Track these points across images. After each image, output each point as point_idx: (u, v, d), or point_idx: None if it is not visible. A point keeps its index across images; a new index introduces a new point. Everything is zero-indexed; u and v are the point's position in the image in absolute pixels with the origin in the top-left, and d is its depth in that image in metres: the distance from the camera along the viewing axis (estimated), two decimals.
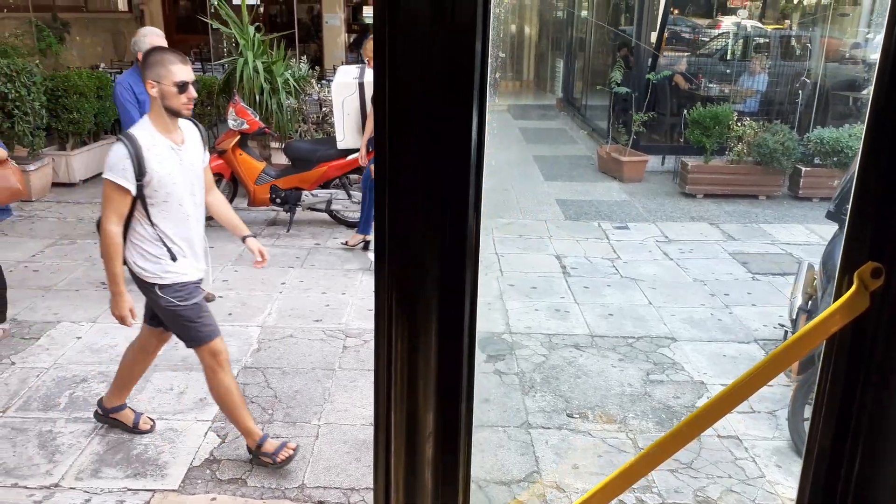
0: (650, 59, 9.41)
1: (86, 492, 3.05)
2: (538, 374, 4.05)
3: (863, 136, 0.93)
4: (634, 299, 5.12)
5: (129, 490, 3.07)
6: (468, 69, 0.74)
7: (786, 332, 4.21)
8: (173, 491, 3.07)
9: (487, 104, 0.86)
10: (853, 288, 0.93)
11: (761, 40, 11.07)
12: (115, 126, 8.91)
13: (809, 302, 4.12)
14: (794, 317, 4.06)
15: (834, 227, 4.33)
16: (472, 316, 0.98)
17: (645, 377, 4.04)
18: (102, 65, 11.88)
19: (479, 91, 0.80)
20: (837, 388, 1.01)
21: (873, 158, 0.92)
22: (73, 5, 13.15)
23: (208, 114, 7.57)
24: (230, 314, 4.74)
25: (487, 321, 4.70)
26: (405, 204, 0.84)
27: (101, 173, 8.27)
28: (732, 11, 13.70)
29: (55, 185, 7.51)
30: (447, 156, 0.82)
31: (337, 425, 3.54)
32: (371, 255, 5.72)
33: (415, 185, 0.84)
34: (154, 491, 3.07)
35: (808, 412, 3.38)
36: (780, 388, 3.93)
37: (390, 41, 0.73)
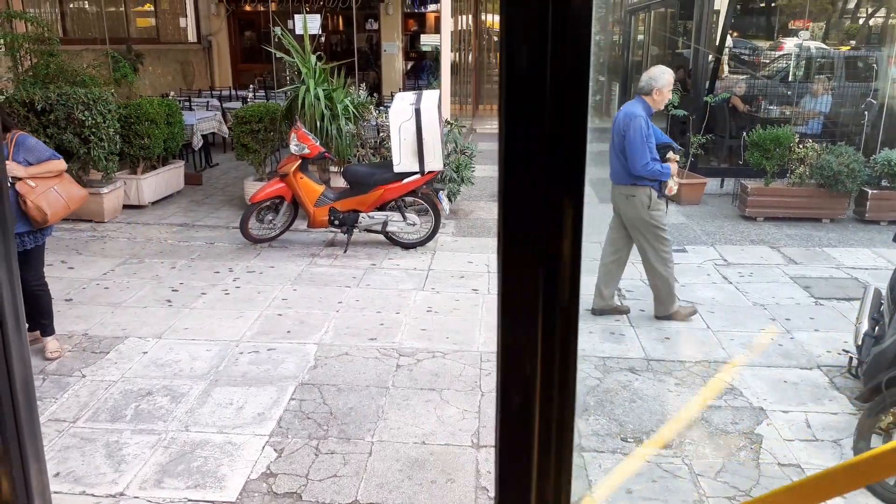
0: (708, 82, 9.29)
1: (148, 501, 3.16)
2: (592, 398, 4.02)
3: None
4: (692, 323, 5.03)
5: (190, 501, 3.17)
6: (577, 94, 0.78)
7: (850, 358, 4.07)
8: (231, 503, 3.16)
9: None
10: None
11: (824, 61, 10.81)
12: (182, 151, 9.30)
13: (876, 328, 3.98)
14: (860, 343, 3.93)
15: None
16: (575, 332, 0.99)
17: (702, 402, 3.96)
18: (172, 93, 12.44)
19: (583, 114, 0.84)
20: None
21: None
22: (147, 37, 13.84)
23: (271, 139, 7.82)
24: (289, 332, 4.86)
25: None
26: (523, 226, 0.88)
27: (168, 196, 8.58)
28: (794, 33, 13.43)
29: (126, 207, 7.87)
30: (556, 179, 0.85)
31: (390, 443, 3.58)
32: None
33: (530, 206, 0.88)
34: (213, 502, 3.16)
35: (875, 442, 3.25)
36: (845, 417, 3.79)
37: (509, 77, 0.78)
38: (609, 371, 4.33)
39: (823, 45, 12.13)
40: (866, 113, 8.76)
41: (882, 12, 15.22)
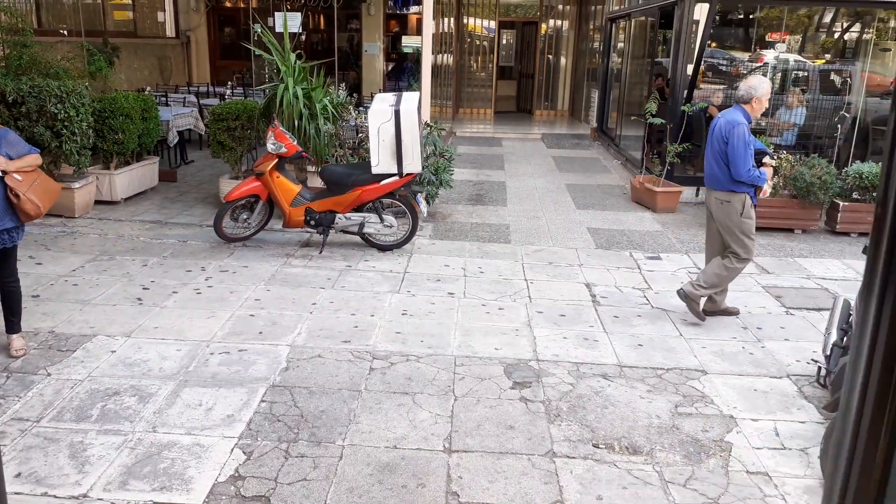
0: (685, 91, 9.39)
1: (112, 503, 3.10)
2: (564, 403, 4.02)
3: None
4: (665, 330, 5.07)
5: (155, 503, 3.11)
6: None
7: (819, 368, 4.12)
8: None
9: None
10: None
11: (800, 73, 10.98)
12: (157, 147, 9.18)
13: (845, 338, 4.04)
14: (829, 353, 3.98)
15: None
16: None
17: (673, 409, 3.98)
18: (148, 88, 12.28)
19: None
20: None
21: None
22: (123, 31, 13.65)
23: (248, 137, 7.74)
24: (261, 332, 4.81)
25: (515, 347, 4.69)
26: None
27: (142, 192, 8.46)
28: (771, 45, 13.63)
29: (98, 202, 7.74)
30: None
31: (361, 447, 3.55)
32: None
33: None
34: None
35: None
36: (812, 426, 3.84)
37: None
38: (582, 377, 4.34)
39: (801, 58, 12.31)
40: (839, 126, 8.91)
41: (856, 27, 15.50)
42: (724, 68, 14.24)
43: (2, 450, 3.42)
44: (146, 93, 9.78)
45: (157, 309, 5.15)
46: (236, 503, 3.13)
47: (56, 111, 6.80)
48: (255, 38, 7.96)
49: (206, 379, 4.17)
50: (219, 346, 4.60)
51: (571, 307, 5.47)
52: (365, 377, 4.26)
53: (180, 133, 9.95)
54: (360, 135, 7.68)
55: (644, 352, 4.71)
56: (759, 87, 4.94)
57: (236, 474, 3.32)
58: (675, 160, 8.67)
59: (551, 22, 18.08)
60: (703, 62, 10.35)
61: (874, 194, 7.34)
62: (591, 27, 16.70)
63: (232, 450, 3.50)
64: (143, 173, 8.41)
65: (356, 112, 7.99)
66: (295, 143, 6.66)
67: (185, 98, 11.32)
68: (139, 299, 5.32)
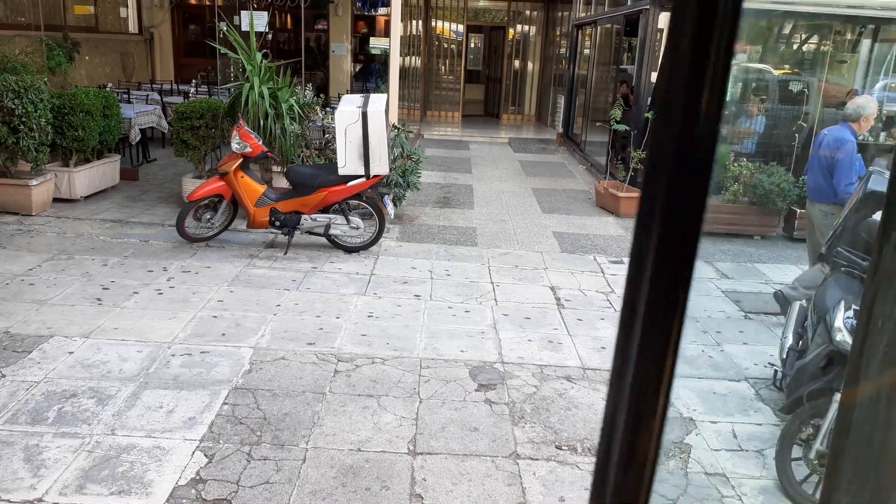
0: (649, 98, 9.54)
1: None
2: (528, 405, 4.05)
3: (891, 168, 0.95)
4: None
5: None
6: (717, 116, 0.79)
7: (775, 371, 4.23)
8: None
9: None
10: None
11: (760, 83, 11.24)
12: (118, 145, 9.01)
13: (800, 342, 4.15)
14: (785, 356, 4.09)
15: (826, 269, 4.38)
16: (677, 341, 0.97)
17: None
18: (110, 85, 12.04)
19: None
20: None
21: None
22: (84, 26, 13.36)
23: (212, 136, 7.64)
24: (223, 334, 4.75)
25: (480, 350, 4.71)
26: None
27: (103, 190, 8.29)
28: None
29: (56, 200, 7.56)
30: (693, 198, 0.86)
31: (325, 449, 3.54)
32: None
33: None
34: None
35: (795, 452, 3.38)
36: (769, 427, 3.93)
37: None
38: (546, 379, 4.38)
39: (768, 67, 12.61)
40: (797, 135, 9.14)
41: (814, 39, 15.92)
42: None
43: None
44: (107, 89, 9.58)
45: (117, 310, 5.05)
46: None
47: (13, 106, 6.63)
48: (221, 36, 7.87)
49: (168, 381, 4.10)
50: (180, 347, 4.53)
51: (536, 310, 5.51)
52: (330, 379, 4.24)
53: (143, 131, 9.79)
54: (326, 135, 7.64)
55: (607, 354, 4.77)
56: (867, 106, 5.26)
57: (197, 477, 3.28)
58: (639, 166, 8.80)
59: (518, 27, 18.22)
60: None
61: None
62: (558, 33, 16.87)
63: (193, 452, 3.45)
64: (104, 171, 8.24)
65: (323, 113, 7.95)
66: (260, 142, 6.60)
67: (147, 95, 11.13)
68: (98, 300, 5.21)
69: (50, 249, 6.24)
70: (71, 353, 4.37)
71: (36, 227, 6.84)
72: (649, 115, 8.80)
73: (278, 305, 5.32)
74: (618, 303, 5.75)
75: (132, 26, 14.85)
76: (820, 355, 3.51)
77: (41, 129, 6.92)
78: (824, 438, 3.21)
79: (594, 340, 4.99)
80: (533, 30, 18.06)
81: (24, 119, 6.71)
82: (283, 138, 7.27)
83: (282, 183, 7.36)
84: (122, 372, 4.17)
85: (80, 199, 7.77)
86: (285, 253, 6.54)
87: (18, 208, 7.08)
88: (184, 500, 3.12)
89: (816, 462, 3.23)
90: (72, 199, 7.69)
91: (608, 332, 5.15)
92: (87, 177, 7.86)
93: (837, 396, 3.22)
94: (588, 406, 4.07)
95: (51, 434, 3.53)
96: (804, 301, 4.56)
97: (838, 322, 3.42)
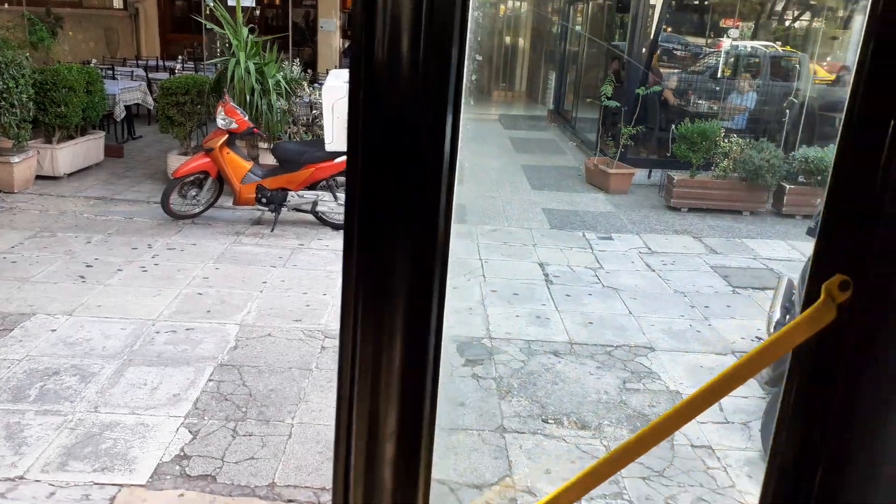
0: (641, 75, 9.48)
1: (51, 485, 3.00)
2: (515, 380, 4.04)
3: (835, 149, 0.94)
4: (615, 309, 5.13)
5: (96, 484, 3.03)
6: (444, 72, 0.74)
7: None
8: (141, 486, 3.04)
9: (462, 108, 0.86)
10: (820, 300, 0.94)
11: (752, 60, 11.18)
12: (103, 121, 8.89)
13: (787, 316, 4.14)
14: (772, 330, 4.08)
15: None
16: (438, 318, 0.97)
17: (621, 385, 4.04)
18: (94, 61, 11.84)
19: (455, 94, 0.80)
20: (801, 400, 1.01)
21: (844, 171, 0.93)
22: (68, 1, 13.12)
23: (198, 112, 7.54)
24: (209, 311, 4.71)
25: (468, 326, 4.70)
26: (377, 206, 0.84)
27: (87, 168, 8.18)
28: (725, 31, 13.86)
29: (39, 177, 7.45)
30: (420, 159, 0.82)
31: (311, 425, 3.52)
32: None
33: (387, 187, 0.84)
34: (121, 486, 3.03)
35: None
36: (754, 400, 3.94)
37: (367, 45, 0.74)
38: (533, 354, 4.37)
39: (758, 44, 12.52)
40: (788, 111, 9.11)
41: (806, 15, 15.85)
42: (679, 53, 14.41)
43: None
44: (91, 65, 9.43)
45: (100, 287, 5.00)
46: (182, 482, 3.07)
47: None
48: (208, 12, 7.73)
49: (152, 358, 4.07)
50: (165, 324, 4.49)
51: (525, 286, 5.49)
52: (316, 356, 4.21)
53: (128, 108, 9.64)
54: (313, 111, 7.55)
55: (594, 329, 4.77)
56: None
57: (182, 453, 3.25)
58: (629, 143, 8.76)
59: (510, 3, 18.04)
60: (658, 46, 10.45)
61: (819, 178, 7.55)
62: (550, 9, 16.71)
63: (178, 429, 3.43)
64: (88, 148, 8.12)
65: (310, 88, 7.85)
66: (246, 118, 6.51)
67: (132, 72, 10.96)
68: (82, 277, 5.15)
69: (32, 227, 6.15)
70: (53, 330, 4.32)
71: (18, 205, 6.75)
72: (640, 91, 8.74)
73: (265, 282, 5.27)
74: (606, 278, 5.74)
75: (117, 1, 14.60)
76: None
77: (23, 106, 6.80)
78: None
79: (582, 315, 4.98)
80: (524, 6, 17.89)
81: (4, 95, 6.59)
82: (270, 114, 7.18)
83: (268, 160, 7.28)
84: (105, 349, 4.13)
85: (63, 176, 7.66)
86: (272, 230, 6.48)
87: (0, 186, 6.97)
88: (168, 477, 3.10)
89: None
90: (55, 177, 7.58)
91: (596, 307, 5.14)
92: (70, 154, 7.75)
93: None
94: (575, 380, 4.06)
95: (32, 412, 3.49)
96: (791, 275, 4.55)
97: None
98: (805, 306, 1.01)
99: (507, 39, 18.07)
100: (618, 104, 8.80)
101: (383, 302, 0.93)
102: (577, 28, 14.48)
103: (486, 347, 4.42)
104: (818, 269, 0.98)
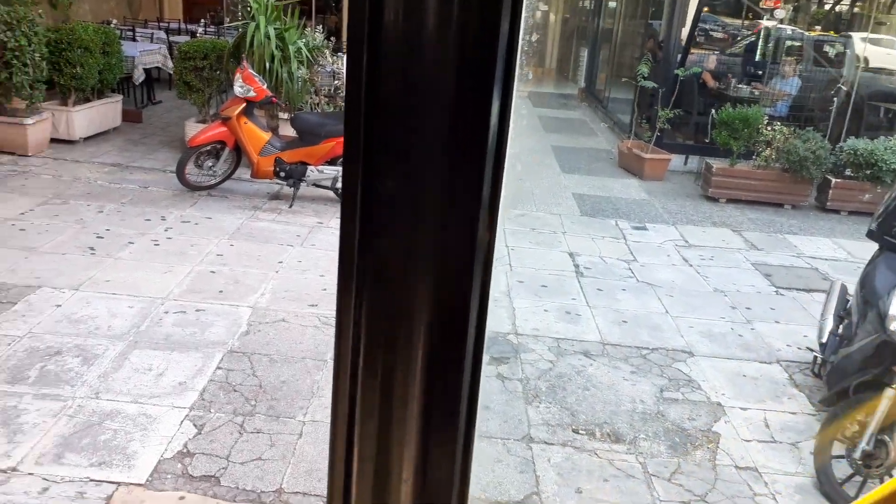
0: (679, 55, 9.03)
1: (44, 479, 2.79)
2: (543, 383, 3.77)
3: None
4: (650, 306, 4.82)
5: (92, 481, 2.81)
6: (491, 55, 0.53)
7: (815, 357, 3.91)
8: (139, 485, 2.82)
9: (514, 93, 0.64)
10: None
11: (795, 44, 10.65)
12: (121, 85, 8.63)
13: (841, 327, 3.82)
14: (824, 341, 3.77)
15: (872, 246, 4.02)
16: (479, 329, 0.70)
17: (658, 394, 3.75)
18: (115, 21, 11.56)
19: (505, 79, 0.58)
20: None
21: None
22: None
23: (217, 78, 7.25)
24: (221, 291, 4.46)
25: (493, 319, 4.40)
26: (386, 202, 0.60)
27: (103, 132, 7.96)
28: (764, 12, 13.28)
29: (54, 140, 7.23)
30: (458, 148, 0.58)
31: (323, 423, 3.27)
32: None
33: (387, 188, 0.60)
34: (118, 484, 2.81)
35: (836, 449, 3.09)
36: (803, 417, 3.64)
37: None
38: (563, 354, 4.08)
39: (798, 29, 11.96)
40: (835, 99, 8.64)
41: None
42: (717, 34, 13.85)
43: None
44: (111, 26, 9.15)
45: (110, 260, 4.77)
46: (182, 483, 2.85)
47: (5, 39, 6.25)
48: None
49: (159, 341, 3.84)
50: (174, 304, 4.26)
51: (553, 277, 5.19)
52: (331, 346, 3.95)
53: (147, 71, 9.37)
54: (336, 81, 7.23)
55: (628, 329, 4.47)
56: None
57: (185, 450, 3.03)
58: (666, 126, 8.35)
59: None
60: (697, 26, 9.96)
61: (868, 172, 7.12)
62: None
63: (182, 422, 3.20)
64: (105, 112, 7.87)
65: (334, 57, 7.51)
66: (265, 86, 6.21)
67: (152, 34, 10.68)
68: (91, 249, 4.93)
69: (44, 193, 5.93)
70: (58, 306, 4.11)
71: (31, 169, 6.53)
72: (679, 72, 8.31)
73: (280, 262, 5.02)
74: (640, 272, 5.42)
75: None
76: (870, 345, 3.19)
77: (35, 65, 6.54)
78: (871, 438, 2.91)
79: (615, 313, 4.68)
80: None
81: (17, 53, 6.33)
82: (290, 83, 6.86)
83: (288, 131, 6.99)
84: (110, 329, 3.91)
85: (79, 140, 7.43)
86: (290, 206, 6.22)
87: (14, 148, 6.75)
88: (168, 476, 2.88)
89: (861, 462, 2.94)
90: (70, 140, 7.35)
91: (630, 304, 4.83)
92: (86, 117, 7.50)
93: (890, 392, 2.91)
94: (608, 386, 3.78)
95: (31, 395, 3.28)
96: (844, 278, 4.22)
97: (893, 310, 3.09)
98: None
99: (537, 14, 17.54)
100: (654, 85, 8.38)
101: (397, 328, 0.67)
102: (612, 4, 13.96)
103: (512, 344, 4.14)
104: None
